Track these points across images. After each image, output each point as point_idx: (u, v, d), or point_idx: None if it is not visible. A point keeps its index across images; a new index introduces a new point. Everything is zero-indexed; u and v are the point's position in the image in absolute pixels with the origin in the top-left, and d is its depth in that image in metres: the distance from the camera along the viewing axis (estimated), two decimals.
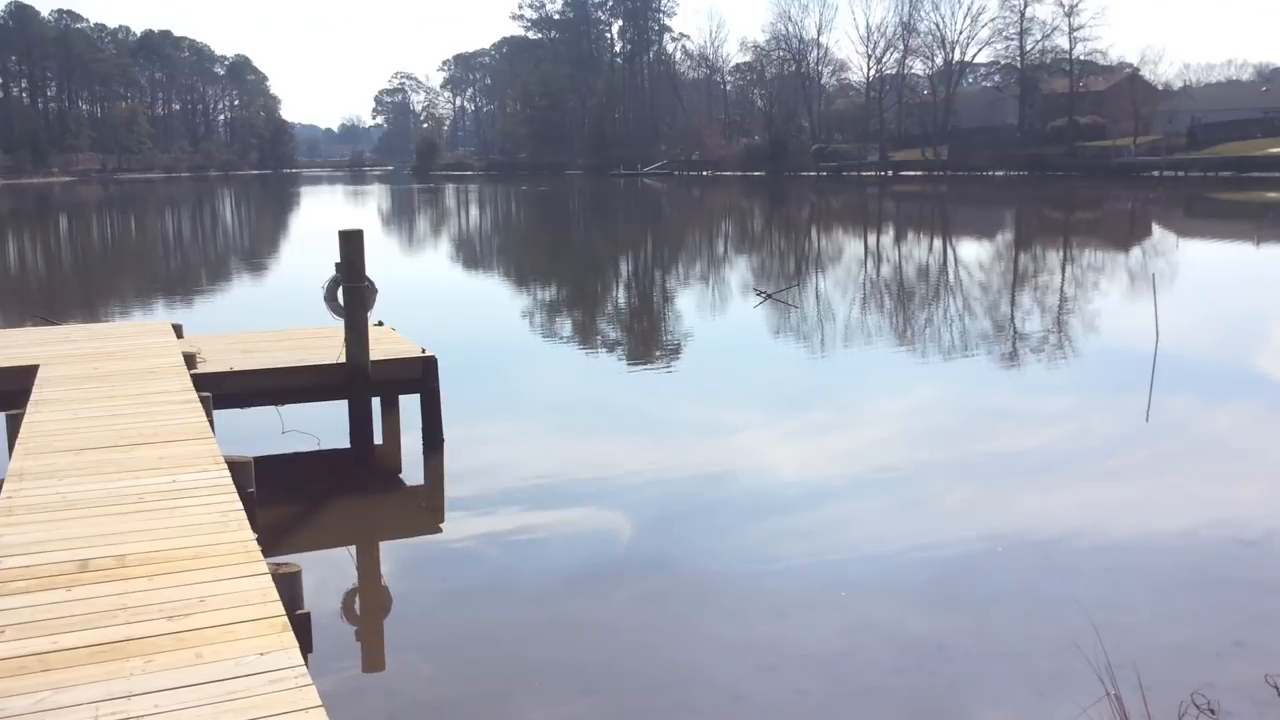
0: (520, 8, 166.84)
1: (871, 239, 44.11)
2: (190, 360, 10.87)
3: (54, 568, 5.31)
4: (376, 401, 12.16)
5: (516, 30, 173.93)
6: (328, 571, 8.51)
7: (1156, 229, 45.94)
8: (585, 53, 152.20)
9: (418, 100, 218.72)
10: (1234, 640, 7.09)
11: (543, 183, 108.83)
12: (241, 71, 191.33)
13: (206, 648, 4.42)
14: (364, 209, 72.64)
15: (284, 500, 9.81)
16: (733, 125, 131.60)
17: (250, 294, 28.26)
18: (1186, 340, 18.33)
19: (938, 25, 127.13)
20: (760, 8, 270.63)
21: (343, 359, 11.31)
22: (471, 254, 41.69)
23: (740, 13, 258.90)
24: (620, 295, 28.13)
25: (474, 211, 73.39)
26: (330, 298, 11.30)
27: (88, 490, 6.56)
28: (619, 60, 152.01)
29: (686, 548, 9.00)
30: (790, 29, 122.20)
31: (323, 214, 66.86)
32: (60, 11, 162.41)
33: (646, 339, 20.68)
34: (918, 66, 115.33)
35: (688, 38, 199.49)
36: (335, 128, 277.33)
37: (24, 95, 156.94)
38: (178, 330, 12.98)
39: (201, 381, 9.96)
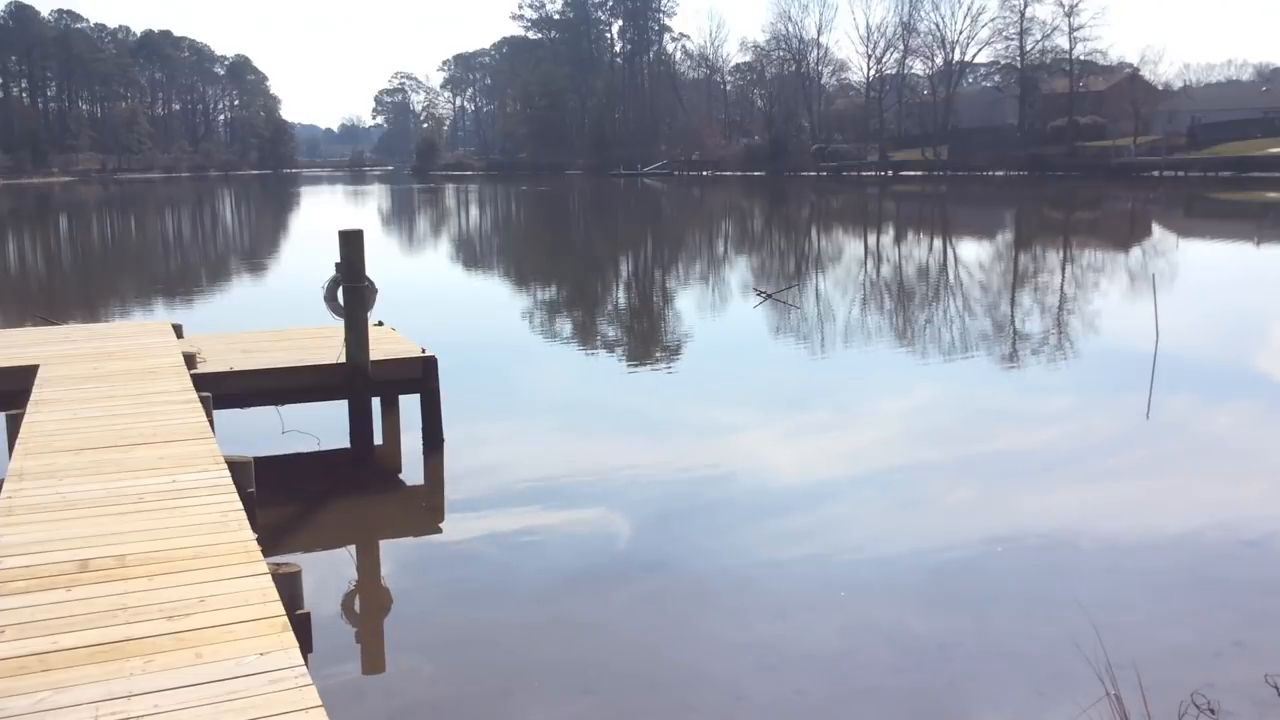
0: (520, 8, 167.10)
1: (871, 239, 44.11)
2: (190, 360, 10.87)
3: (54, 568, 5.31)
4: (376, 401, 12.16)
5: (516, 30, 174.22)
6: (328, 571, 8.51)
7: (1156, 229, 45.94)
8: (585, 53, 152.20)
9: (418, 100, 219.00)
10: (1234, 640, 7.09)
11: (543, 183, 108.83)
12: (241, 71, 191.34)
13: (206, 648, 4.42)
14: (364, 209, 72.64)
15: (284, 500, 9.81)
16: (733, 125, 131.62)
17: (250, 294, 28.27)
18: (1186, 340, 18.33)
19: (938, 25, 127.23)
20: (760, 8, 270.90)
21: (343, 359, 11.31)
22: (471, 254, 41.69)
23: (740, 13, 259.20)
24: (620, 295, 28.13)
25: (474, 211, 73.39)
26: (330, 298, 11.30)
27: (88, 490, 6.56)
28: (619, 60, 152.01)
29: (686, 548, 9.00)
30: (790, 29, 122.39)
31: (322, 214, 66.86)
32: (60, 11, 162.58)
33: (646, 339, 20.68)
34: (918, 66, 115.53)
35: (688, 38, 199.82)
36: (335, 128, 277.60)
37: (24, 95, 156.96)
38: (178, 330, 12.97)
39: (201, 381, 9.96)
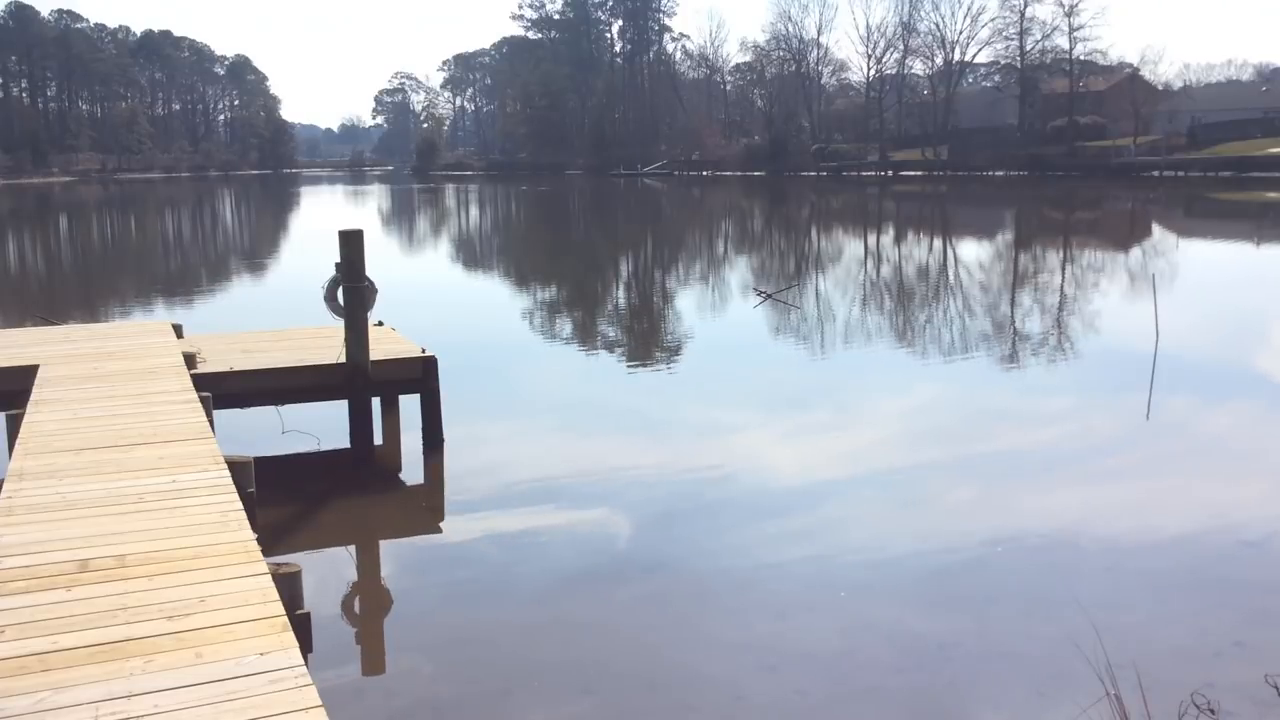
0: (520, 8, 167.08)
1: (871, 239, 44.11)
2: (190, 360, 10.87)
3: (54, 568, 5.31)
4: (376, 401, 12.16)
5: (516, 30, 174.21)
6: (328, 571, 8.51)
7: (1156, 229, 45.94)
8: (585, 53, 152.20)
9: (418, 100, 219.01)
10: (1234, 640, 7.09)
11: (543, 183, 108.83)
12: (241, 71, 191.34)
13: (206, 648, 4.42)
14: (364, 209, 72.65)
15: (284, 500, 9.81)
16: (733, 125, 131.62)
17: (250, 294, 28.27)
18: (1186, 340, 18.34)
19: (938, 25, 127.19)
20: (760, 8, 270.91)
21: (343, 359, 11.31)
22: (471, 254, 41.70)
23: (740, 13, 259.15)
24: (620, 295, 28.14)
25: (474, 211, 73.40)
26: (330, 298, 11.30)
27: (88, 490, 6.56)
28: (619, 60, 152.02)
29: (686, 548, 9.00)
30: (790, 29, 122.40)
31: (322, 214, 66.87)
32: (60, 11, 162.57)
33: (646, 339, 20.68)
34: (918, 66, 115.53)
35: (688, 38, 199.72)
36: (335, 128, 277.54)
37: (24, 95, 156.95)
38: (178, 330, 12.97)
39: (201, 381, 9.96)
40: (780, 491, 10.48)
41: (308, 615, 5.44)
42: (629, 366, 17.77)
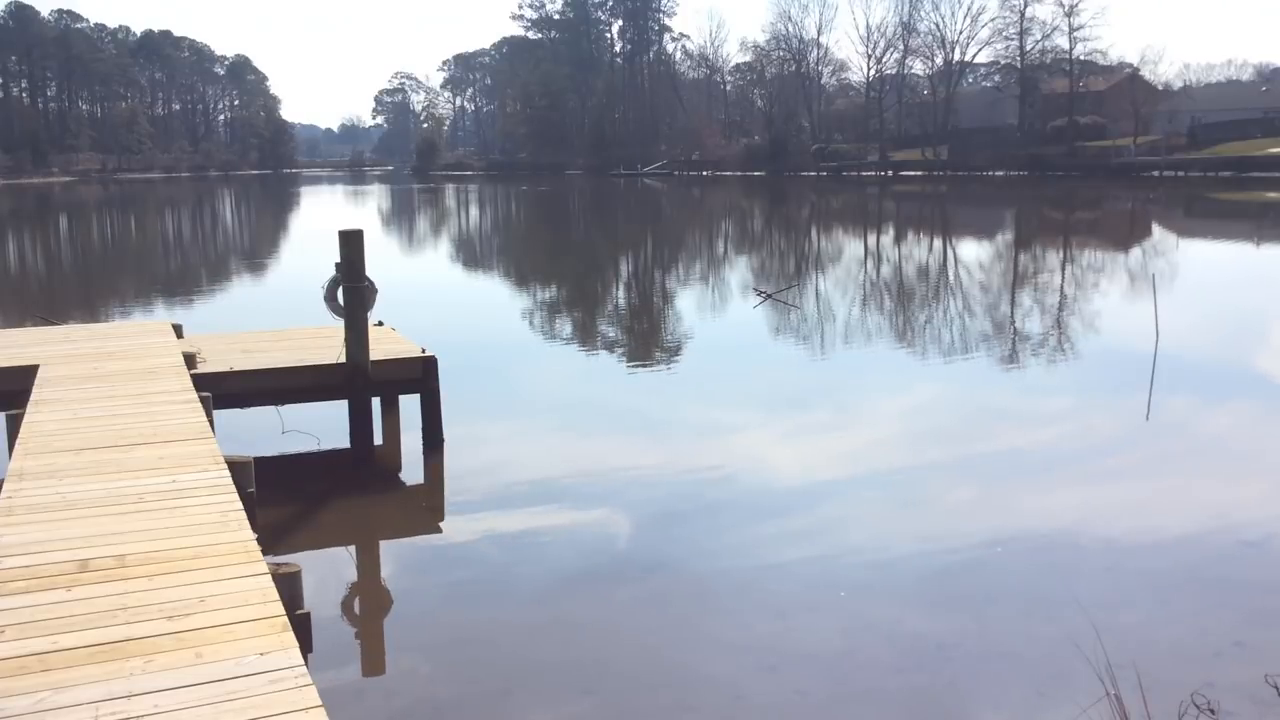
0: (520, 8, 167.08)
1: (871, 239, 44.12)
2: (190, 360, 10.87)
3: (54, 568, 5.31)
4: (376, 401, 12.16)
5: (516, 30, 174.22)
6: (328, 571, 8.51)
7: (1156, 229, 45.93)
8: (585, 53, 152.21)
9: (418, 100, 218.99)
10: (1234, 640, 7.09)
11: (543, 183, 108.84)
12: (241, 71, 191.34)
13: (206, 648, 4.42)
14: (364, 209, 72.65)
15: (284, 500, 9.81)
16: (733, 125, 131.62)
17: (250, 294, 28.27)
18: (1186, 340, 18.34)
19: (938, 25, 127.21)
20: (760, 8, 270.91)
21: (343, 359, 11.31)
22: (471, 254, 41.70)
23: (740, 13, 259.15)
24: (620, 295, 28.14)
25: (474, 211, 73.40)
26: (330, 298, 11.30)
27: (88, 490, 6.56)
28: (619, 60, 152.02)
29: (686, 548, 9.00)
30: (790, 29, 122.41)
31: (322, 214, 66.87)
32: (60, 11, 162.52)
33: (646, 339, 20.68)
34: (918, 66, 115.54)
35: (688, 38, 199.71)
36: (335, 128, 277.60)
37: (24, 95, 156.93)
38: (178, 330, 12.97)
39: (201, 381, 9.96)
40: (780, 492, 10.48)
41: (308, 615, 5.44)
42: (629, 366, 17.77)
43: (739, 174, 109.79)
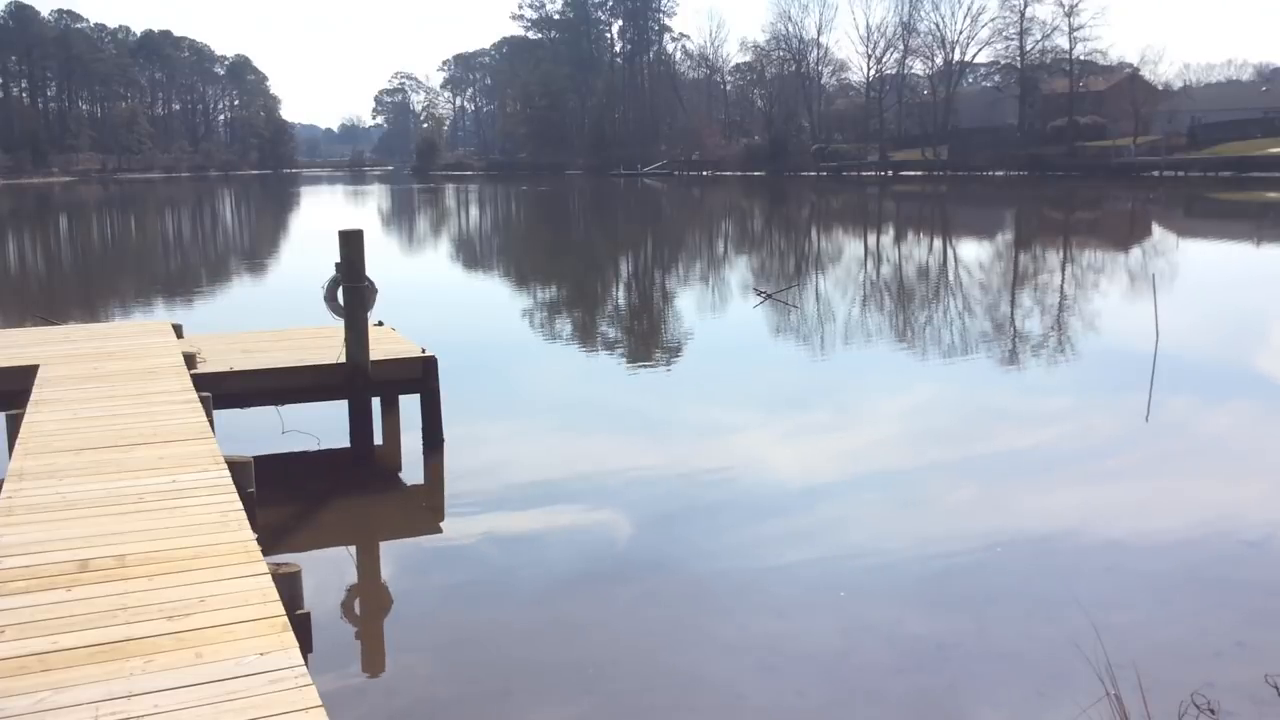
0: (520, 8, 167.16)
1: (871, 239, 44.11)
2: (190, 360, 10.87)
3: (54, 568, 5.31)
4: (376, 401, 12.16)
5: (516, 30, 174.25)
6: (328, 571, 8.51)
7: (1156, 229, 45.93)
8: (585, 53, 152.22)
9: (418, 100, 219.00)
10: (1234, 640, 7.09)
11: (543, 183, 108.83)
12: (241, 71, 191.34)
13: (206, 648, 4.42)
14: (364, 209, 72.65)
15: (284, 500, 9.81)
16: (733, 125, 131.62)
17: (250, 294, 28.27)
18: (1186, 340, 18.33)
19: (938, 25, 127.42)
20: (760, 8, 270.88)
21: (343, 359, 11.31)
22: (471, 254, 41.70)
23: (740, 13, 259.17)
24: (620, 295, 28.14)
25: (474, 211, 73.40)
26: (330, 298, 11.30)
27: (88, 490, 6.56)
28: (619, 60, 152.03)
29: (686, 548, 9.00)
30: (790, 29, 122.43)
31: (322, 214, 66.87)
32: (60, 11, 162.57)
33: (646, 339, 20.68)
34: (918, 66, 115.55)
35: (688, 38, 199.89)
36: (335, 128, 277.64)
37: (24, 95, 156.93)
38: (178, 330, 12.98)
39: (201, 381, 9.96)
40: (780, 492, 10.48)
41: (308, 615, 5.44)
42: (629, 366, 17.77)
43: (739, 174, 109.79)
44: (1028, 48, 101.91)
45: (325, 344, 12.06)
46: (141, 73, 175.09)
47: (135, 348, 11.54)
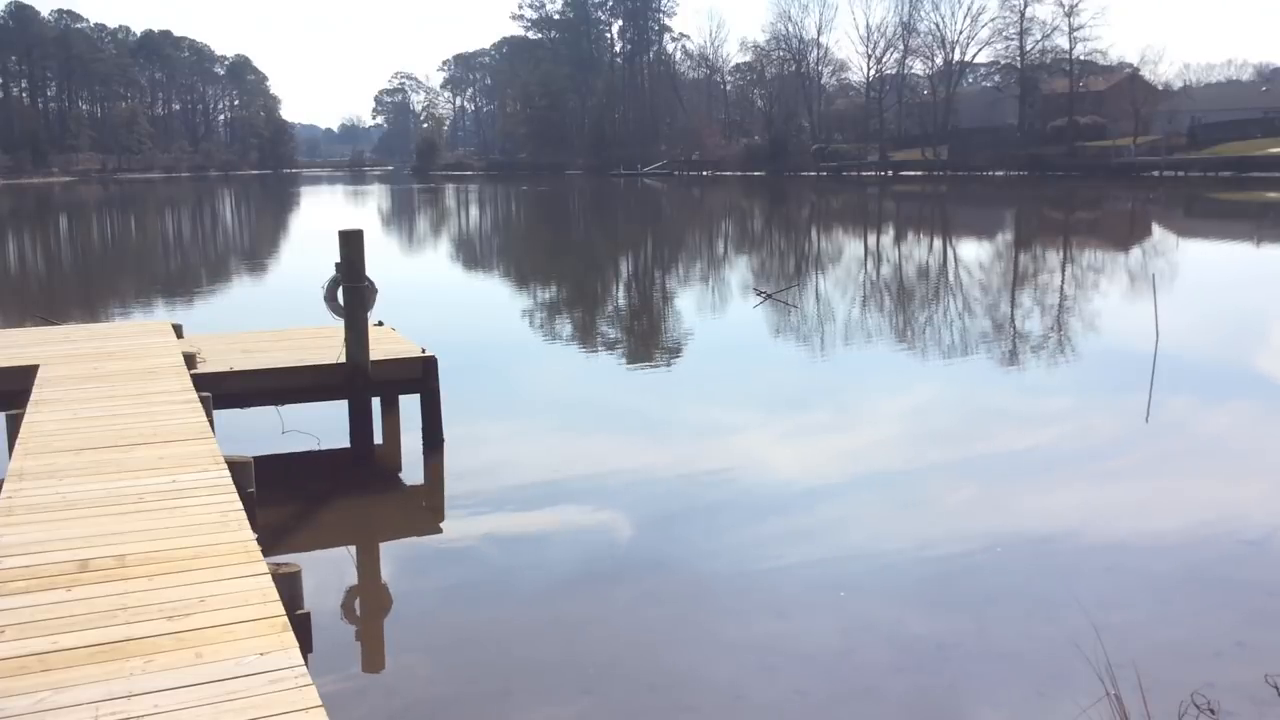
0: (520, 8, 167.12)
1: (871, 239, 44.11)
2: (190, 360, 10.87)
3: (54, 568, 5.31)
4: (376, 401, 12.16)
5: (516, 30, 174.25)
6: (328, 571, 8.51)
7: (1156, 229, 45.93)
8: (585, 53, 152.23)
9: (418, 100, 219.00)
10: (1234, 640, 7.09)
11: (543, 183, 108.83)
12: (241, 71, 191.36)
13: (206, 648, 4.42)
14: (364, 209, 72.65)
15: (284, 500, 9.81)
16: (733, 125, 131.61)
17: (250, 294, 28.26)
18: (1186, 340, 18.33)
19: (938, 25, 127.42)
20: (760, 8, 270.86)
21: (343, 359, 11.31)
22: (471, 254, 41.70)
23: (740, 13, 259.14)
24: (620, 295, 28.13)
25: (474, 211, 73.40)
26: (330, 298, 11.30)
27: (88, 490, 6.56)
28: (619, 60, 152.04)
29: (686, 547, 9.00)
30: (790, 29, 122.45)
31: (322, 214, 66.87)
32: (60, 11, 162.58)
33: (646, 339, 20.68)
34: (918, 66, 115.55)
35: (688, 38, 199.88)
36: (335, 128, 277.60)
37: (24, 95, 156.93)
38: (178, 330, 12.98)
39: (201, 381, 9.96)
40: (780, 492, 10.48)
41: (308, 615, 5.44)
42: (629, 366, 17.77)
43: (739, 174, 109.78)
44: (1028, 48, 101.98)
45: (325, 344, 12.06)
46: (141, 73, 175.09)
47: (135, 348, 11.54)
